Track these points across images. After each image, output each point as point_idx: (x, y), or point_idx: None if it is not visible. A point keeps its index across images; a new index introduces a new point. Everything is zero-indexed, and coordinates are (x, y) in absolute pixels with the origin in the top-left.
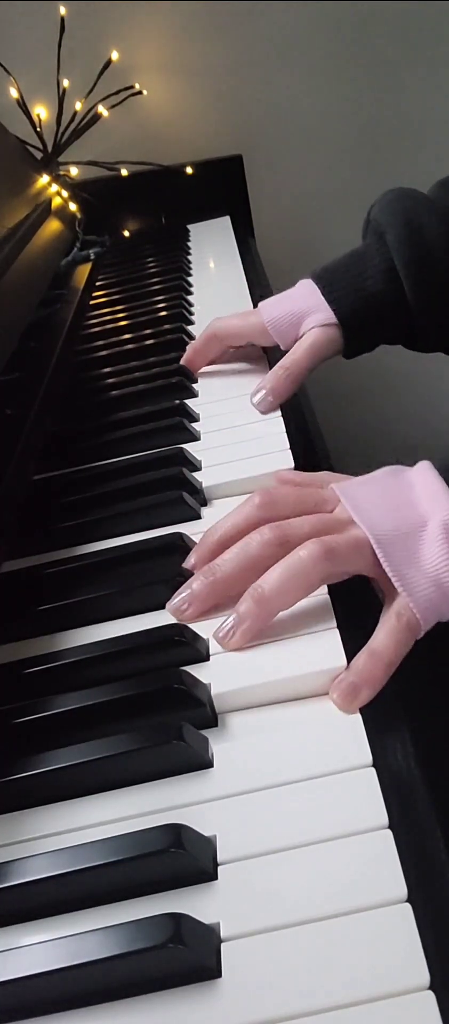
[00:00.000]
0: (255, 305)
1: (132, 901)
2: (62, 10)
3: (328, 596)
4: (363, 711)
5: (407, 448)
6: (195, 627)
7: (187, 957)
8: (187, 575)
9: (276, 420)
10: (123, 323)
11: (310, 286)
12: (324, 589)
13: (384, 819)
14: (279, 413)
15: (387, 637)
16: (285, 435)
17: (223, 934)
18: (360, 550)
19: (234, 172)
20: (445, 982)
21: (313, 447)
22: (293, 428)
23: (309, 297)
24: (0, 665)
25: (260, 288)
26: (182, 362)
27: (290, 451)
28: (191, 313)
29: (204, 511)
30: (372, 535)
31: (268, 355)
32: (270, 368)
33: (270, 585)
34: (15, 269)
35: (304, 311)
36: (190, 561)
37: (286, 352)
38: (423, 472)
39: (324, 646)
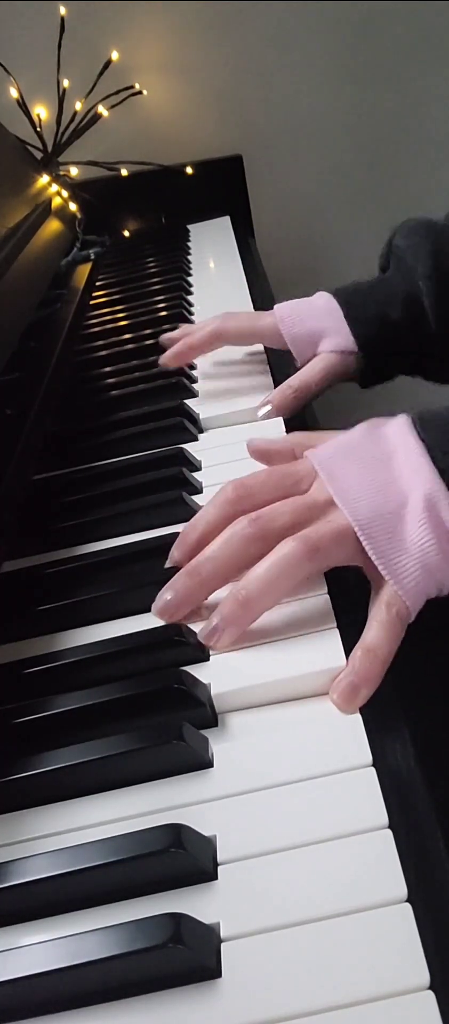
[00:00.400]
0: (255, 305)
1: (132, 901)
2: (62, 10)
3: (328, 596)
4: (363, 711)
5: None
6: (195, 627)
7: (187, 957)
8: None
9: (276, 420)
10: (123, 323)
11: (332, 304)
12: (324, 589)
13: (384, 819)
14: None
15: (380, 631)
16: (285, 435)
17: (223, 934)
18: (343, 540)
19: (234, 172)
20: (445, 982)
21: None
22: (293, 427)
23: (330, 316)
24: (0, 665)
25: (260, 288)
26: (172, 358)
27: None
28: (191, 313)
29: None
30: (355, 520)
31: (269, 356)
32: (271, 370)
33: (254, 586)
34: (15, 269)
35: (323, 331)
36: (173, 557)
37: (294, 359)
38: (402, 435)
39: (324, 646)
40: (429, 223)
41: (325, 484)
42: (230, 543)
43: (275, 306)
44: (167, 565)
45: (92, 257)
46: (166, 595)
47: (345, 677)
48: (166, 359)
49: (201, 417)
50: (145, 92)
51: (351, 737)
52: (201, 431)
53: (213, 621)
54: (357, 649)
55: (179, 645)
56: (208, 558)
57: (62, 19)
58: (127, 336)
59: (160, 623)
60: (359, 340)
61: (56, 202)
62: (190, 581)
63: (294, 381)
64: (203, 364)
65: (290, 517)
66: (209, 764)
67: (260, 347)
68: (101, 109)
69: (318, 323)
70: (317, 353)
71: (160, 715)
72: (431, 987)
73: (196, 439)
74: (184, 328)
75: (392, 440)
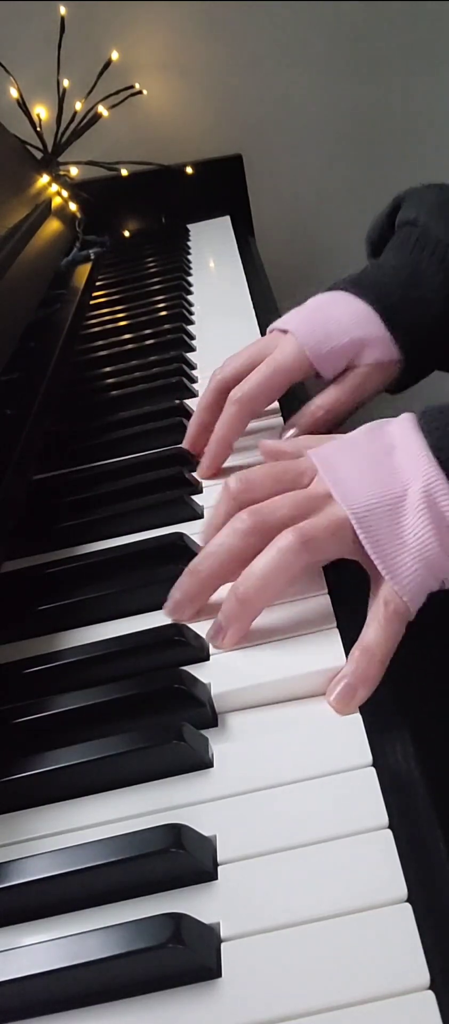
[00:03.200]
0: (255, 305)
1: (132, 901)
2: (62, 10)
3: (328, 596)
4: (362, 711)
5: None
6: (195, 627)
7: (187, 957)
8: None
9: (276, 419)
10: (123, 323)
11: (361, 307)
12: (324, 589)
13: (384, 819)
14: (279, 413)
15: (378, 630)
16: (295, 437)
17: (223, 934)
18: (340, 532)
19: (234, 172)
20: (445, 982)
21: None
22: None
23: (365, 324)
24: (0, 665)
25: (260, 288)
26: (208, 469)
27: None
28: (191, 313)
29: (204, 510)
30: (352, 514)
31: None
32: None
33: (252, 583)
34: (15, 269)
35: (361, 342)
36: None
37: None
38: (404, 430)
39: (324, 646)
40: (442, 186)
41: (323, 477)
42: (229, 538)
43: (288, 324)
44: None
45: (92, 257)
46: (175, 594)
47: (341, 679)
48: (203, 472)
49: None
50: (145, 92)
51: (351, 737)
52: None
53: (218, 621)
54: (355, 649)
55: (179, 645)
56: (207, 554)
57: (62, 19)
58: (127, 336)
59: (160, 623)
60: (403, 348)
61: (56, 202)
62: (191, 579)
63: (324, 400)
64: (203, 364)
65: (288, 510)
66: (209, 764)
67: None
68: (101, 109)
69: (353, 335)
70: (353, 366)
71: (160, 715)
72: (431, 987)
73: None
74: (199, 416)
75: (394, 436)
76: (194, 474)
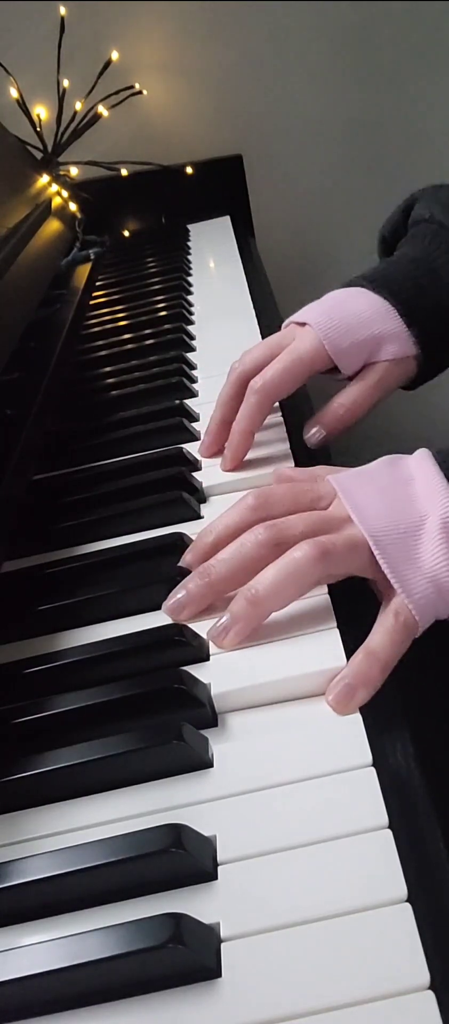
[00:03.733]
0: (255, 305)
1: (132, 901)
2: (62, 10)
3: (328, 596)
4: (363, 711)
5: (409, 448)
6: (195, 627)
7: (187, 957)
8: (186, 575)
9: (276, 419)
10: (123, 323)
11: (378, 303)
12: (324, 589)
13: (384, 819)
14: (279, 413)
15: (384, 637)
16: (286, 435)
17: (223, 934)
18: (357, 550)
19: (234, 172)
20: (445, 982)
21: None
22: (293, 427)
23: (383, 320)
24: (0, 665)
25: (260, 288)
26: (231, 460)
27: (290, 451)
28: (191, 313)
29: (204, 510)
30: (370, 535)
31: None
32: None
33: (264, 586)
34: (15, 269)
35: (379, 337)
36: (186, 559)
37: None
38: (422, 464)
39: (324, 646)
40: None
41: (343, 501)
42: (243, 548)
43: (306, 317)
44: (179, 564)
45: (92, 257)
46: (178, 594)
47: (342, 679)
48: (227, 464)
49: (201, 417)
50: (145, 92)
51: (351, 737)
52: (201, 431)
53: (223, 619)
54: (358, 652)
55: (179, 645)
56: (220, 560)
57: (62, 19)
58: (127, 336)
59: (160, 623)
60: (420, 342)
61: (56, 202)
62: (200, 581)
63: (346, 398)
64: (203, 364)
65: (305, 526)
66: (209, 764)
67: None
68: (101, 109)
69: (372, 330)
70: (371, 362)
71: (160, 715)
72: (431, 987)
73: (196, 439)
74: (220, 411)
75: (411, 468)
76: (220, 465)
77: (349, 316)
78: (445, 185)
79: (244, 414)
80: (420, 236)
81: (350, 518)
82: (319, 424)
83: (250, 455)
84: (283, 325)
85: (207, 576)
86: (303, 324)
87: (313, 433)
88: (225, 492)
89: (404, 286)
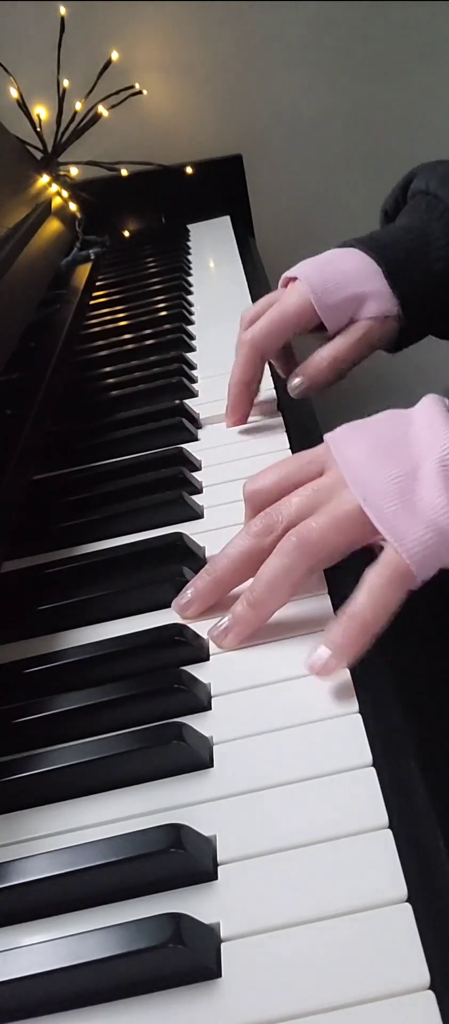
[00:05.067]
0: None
1: (132, 901)
2: (62, 10)
3: (328, 596)
4: (363, 711)
5: None
6: (195, 627)
7: (187, 957)
8: (187, 576)
9: (276, 419)
10: (123, 323)
11: (365, 262)
12: (324, 589)
13: (384, 819)
14: (279, 412)
15: (364, 595)
16: (285, 434)
17: (223, 934)
18: (346, 523)
19: (234, 172)
20: (445, 982)
21: (313, 445)
22: (293, 426)
23: (368, 279)
24: (0, 665)
25: (260, 288)
26: (231, 415)
27: (290, 450)
28: (191, 313)
29: (205, 510)
30: (361, 496)
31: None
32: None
33: (261, 587)
34: (15, 269)
35: (363, 296)
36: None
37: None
38: (427, 406)
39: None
40: None
41: (334, 456)
42: (242, 540)
43: (298, 272)
44: None
45: (92, 257)
46: (187, 592)
47: (320, 652)
48: (228, 421)
49: (201, 416)
50: (145, 92)
51: (351, 737)
52: (201, 430)
53: (224, 619)
54: (339, 613)
55: (179, 645)
56: (223, 555)
57: (62, 19)
58: (127, 336)
59: (160, 623)
60: (402, 302)
61: (56, 202)
62: (205, 579)
63: (329, 351)
64: (203, 364)
65: (295, 508)
66: (209, 764)
67: None
68: (101, 109)
69: (356, 288)
70: (354, 320)
71: (160, 715)
72: (431, 987)
73: (196, 439)
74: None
75: (413, 413)
76: (225, 422)
77: (337, 273)
78: (443, 161)
79: (236, 365)
80: (416, 206)
81: (341, 480)
82: (302, 375)
83: (250, 461)
84: (281, 278)
85: (212, 572)
86: (295, 279)
87: (296, 384)
88: (225, 492)
89: (393, 249)
